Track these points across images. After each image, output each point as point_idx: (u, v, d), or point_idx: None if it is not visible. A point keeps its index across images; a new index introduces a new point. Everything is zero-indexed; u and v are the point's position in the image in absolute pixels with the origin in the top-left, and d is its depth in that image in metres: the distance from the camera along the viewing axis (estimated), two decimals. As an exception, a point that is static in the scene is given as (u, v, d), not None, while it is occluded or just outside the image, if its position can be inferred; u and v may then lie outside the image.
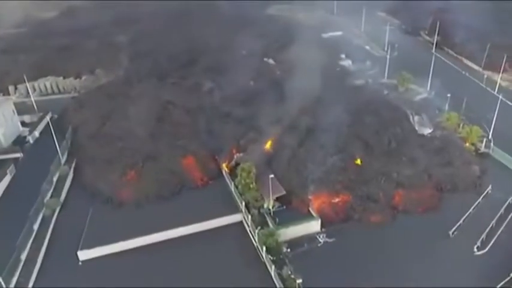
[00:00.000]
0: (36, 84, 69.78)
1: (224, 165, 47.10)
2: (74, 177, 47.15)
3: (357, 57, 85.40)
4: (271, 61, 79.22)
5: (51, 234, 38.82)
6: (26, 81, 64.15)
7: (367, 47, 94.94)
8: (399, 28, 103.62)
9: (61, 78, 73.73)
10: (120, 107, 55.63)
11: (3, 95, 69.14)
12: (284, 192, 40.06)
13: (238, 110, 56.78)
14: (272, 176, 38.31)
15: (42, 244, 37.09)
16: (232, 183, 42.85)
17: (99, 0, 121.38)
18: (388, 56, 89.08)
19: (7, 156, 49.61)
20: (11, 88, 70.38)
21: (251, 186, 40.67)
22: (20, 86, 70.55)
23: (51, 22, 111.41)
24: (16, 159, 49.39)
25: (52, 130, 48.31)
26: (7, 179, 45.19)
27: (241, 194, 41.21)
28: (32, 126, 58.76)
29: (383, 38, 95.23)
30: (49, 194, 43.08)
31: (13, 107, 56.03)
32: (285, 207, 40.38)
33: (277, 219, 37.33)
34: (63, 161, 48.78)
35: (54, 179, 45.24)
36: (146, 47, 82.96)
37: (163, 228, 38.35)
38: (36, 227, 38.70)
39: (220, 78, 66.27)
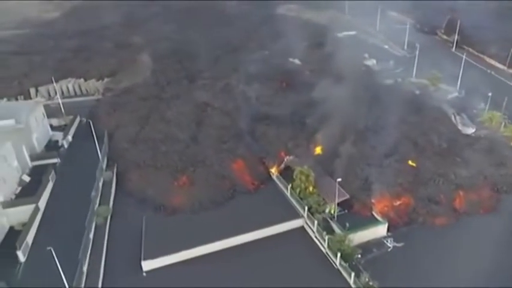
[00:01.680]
0: (58, 86, 67.26)
1: (273, 168, 45.77)
2: (117, 183, 45.23)
3: (378, 57, 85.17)
4: (297, 61, 78.12)
5: (108, 243, 36.96)
6: (54, 82, 61.91)
7: (386, 46, 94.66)
8: (414, 27, 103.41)
9: (82, 80, 71.42)
10: (156, 110, 53.85)
11: (24, 97, 66.53)
12: (348, 196, 38.96)
13: (276, 111, 55.60)
14: (339, 179, 37.10)
15: (101, 255, 35.25)
16: (289, 188, 41.53)
17: (101, 1, 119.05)
18: (408, 55, 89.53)
19: (44, 162, 47.36)
20: (32, 90, 67.73)
21: (312, 190, 39.43)
22: (41, 88, 68.11)
23: (56, 23, 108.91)
24: (53, 164, 47.20)
25: (93, 134, 46.32)
26: (49, 186, 43.06)
27: (301, 198, 39.95)
28: (60, 129, 56.72)
29: (400, 37, 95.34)
30: (97, 201, 41.12)
31: (43, 111, 53.77)
32: (346, 211, 39.24)
33: (347, 225, 36.11)
34: (103, 166, 46.81)
35: (100, 185, 43.29)
36: (165, 47, 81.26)
37: (224, 236, 36.86)
38: (91, 236, 36.82)
39: (250, 79, 65.11)
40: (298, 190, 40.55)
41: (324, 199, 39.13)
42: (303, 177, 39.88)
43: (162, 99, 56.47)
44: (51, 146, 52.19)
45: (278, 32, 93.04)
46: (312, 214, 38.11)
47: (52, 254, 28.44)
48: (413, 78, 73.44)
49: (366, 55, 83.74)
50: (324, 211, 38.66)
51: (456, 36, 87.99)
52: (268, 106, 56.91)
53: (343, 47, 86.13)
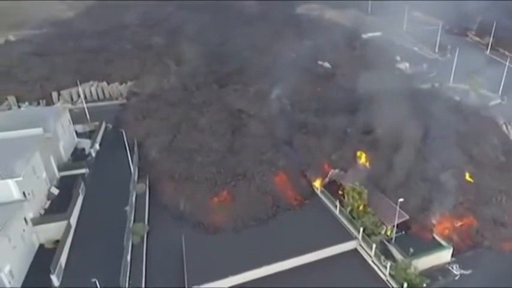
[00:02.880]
0: (80, 90, 64.62)
1: (317, 182, 42.57)
2: (150, 196, 42.32)
3: (410, 59, 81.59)
4: (326, 64, 74.81)
5: (147, 266, 33.99)
6: (79, 85, 59.37)
7: (416, 49, 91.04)
8: (442, 28, 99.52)
9: (105, 83, 68.81)
10: (187, 117, 50.87)
11: (46, 101, 64.08)
12: (407, 217, 35.59)
13: (314, 119, 52.44)
14: (401, 199, 33.75)
15: (141, 280, 32.27)
16: (337, 205, 38.30)
17: (115, 0, 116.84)
18: (441, 58, 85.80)
19: (72, 172, 44.67)
20: (54, 94, 65.22)
21: (366, 209, 36.16)
22: (63, 92, 65.60)
23: (72, 23, 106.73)
24: (82, 175, 44.45)
25: (124, 142, 43.42)
26: (80, 199, 40.30)
27: (353, 217, 36.70)
28: (85, 136, 54.13)
29: (429, 39, 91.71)
30: (132, 217, 38.22)
31: (69, 117, 51.13)
32: (404, 232, 35.87)
33: (411, 250, 32.75)
34: (135, 177, 43.93)
35: (133, 199, 40.40)
36: (188, 49, 78.35)
37: (272, 260, 33.71)
38: (129, 257, 33.92)
39: (281, 84, 61.97)
40: (349, 208, 37.25)
41: (380, 220, 35.77)
42: (355, 195, 36.59)
43: (192, 105, 53.46)
44: (78, 155, 49.57)
45: (302, 32, 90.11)
46: (368, 236, 34.82)
47: (96, 285, 25.55)
48: (451, 83, 69.79)
49: (398, 58, 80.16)
50: (380, 233, 35.35)
51: (491, 38, 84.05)
52: (305, 113, 53.72)
53: (372, 49, 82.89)
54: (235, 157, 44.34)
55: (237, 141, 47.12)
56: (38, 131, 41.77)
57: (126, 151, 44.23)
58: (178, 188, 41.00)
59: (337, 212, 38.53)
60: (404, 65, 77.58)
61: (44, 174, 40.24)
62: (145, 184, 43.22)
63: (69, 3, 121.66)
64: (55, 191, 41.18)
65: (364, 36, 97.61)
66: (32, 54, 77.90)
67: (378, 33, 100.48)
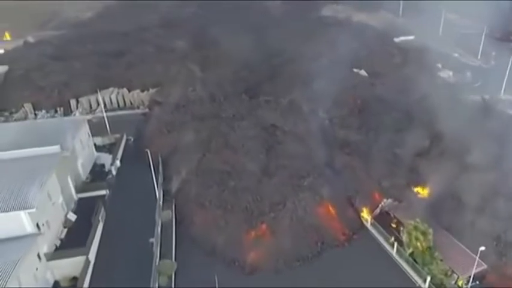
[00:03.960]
0: (100, 97, 60.59)
1: (366, 212, 37.29)
2: (177, 226, 37.62)
3: (451, 67, 75.38)
4: (363, 72, 69.22)
5: (176, 315, 29.40)
6: (98, 93, 55.46)
7: (456, 55, 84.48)
8: (481, 32, 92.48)
9: (125, 90, 64.70)
10: (217, 133, 46.05)
11: (64, 109, 60.31)
12: (485, 267, 30.00)
13: (356, 137, 47.12)
14: (483, 248, 28.22)
15: (170, 334, 27.67)
16: (394, 245, 32.94)
17: (134, 0, 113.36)
18: (485, 66, 79.21)
19: (91, 194, 40.37)
20: (72, 101, 61.40)
21: (432, 253, 30.72)
22: (82, 99, 61.74)
23: (91, 24, 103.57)
24: (102, 197, 40.13)
25: (149, 161, 38.78)
26: (99, 228, 35.91)
27: (414, 261, 31.31)
28: (104, 149, 49.97)
29: (469, 44, 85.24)
30: (158, 252, 33.59)
31: (88, 130, 46.94)
32: (478, 282, 30.33)
33: (495, 310, 27.36)
34: (160, 202, 39.33)
35: (158, 230, 35.77)
36: (213, 54, 73.85)
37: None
38: (155, 304, 29.38)
39: (316, 95, 56.73)
40: (410, 250, 31.85)
41: (450, 268, 30.28)
42: (419, 235, 31.17)
43: (222, 118, 48.65)
44: (97, 172, 45.23)
45: (331, 36, 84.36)
46: (435, 286, 29.41)
47: None
48: (502, 94, 63.39)
49: (439, 65, 73.96)
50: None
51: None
52: (346, 130, 48.43)
53: (409, 55, 77.08)
54: (272, 182, 39.29)
55: (272, 162, 42.07)
56: (55, 149, 37.48)
57: (150, 170, 39.72)
58: (209, 218, 36.24)
59: (394, 252, 33.20)
60: (447, 73, 71.43)
61: (61, 199, 35.96)
62: (172, 210, 38.61)
63: (87, 3, 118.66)
64: (72, 217, 36.88)
65: (396, 40, 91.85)
66: (50, 58, 74.51)
67: (411, 37, 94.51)
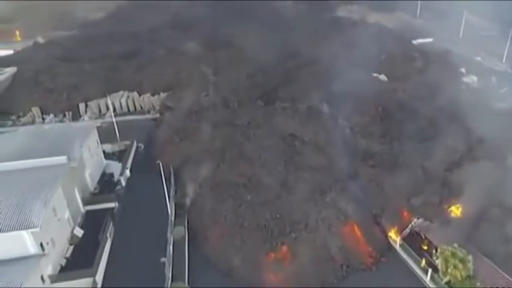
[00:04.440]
0: (109, 101, 58.50)
1: (394, 232, 34.41)
2: (189, 243, 35.12)
3: (474, 71, 71.85)
4: (383, 77, 66.13)
5: None
6: (108, 98, 53.48)
7: (478, 58, 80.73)
8: (503, 34, 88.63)
9: (135, 93, 62.52)
10: (232, 142, 43.52)
11: (73, 114, 58.31)
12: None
13: (380, 147, 44.21)
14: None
15: None
16: (428, 272, 30.02)
17: (145, 0, 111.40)
18: (510, 70, 75.56)
19: (99, 206, 38.09)
20: (81, 106, 59.37)
21: (473, 283, 27.76)
22: (91, 103, 59.68)
23: (102, 24, 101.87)
24: (110, 210, 37.83)
25: (161, 173, 36.32)
26: (107, 246, 33.61)
27: (452, 291, 28.45)
28: (114, 157, 47.78)
29: (492, 47, 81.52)
30: (170, 273, 31.13)
31: (97, 137, 44.72)
32: (524, 317, 27.34)
33: None
34: (172, 217, 36.85)
35: (170, 248, 33.32)
36: (225, 56, 71.43)
37: None
38: (167, 335, 26.89)
39: (335, 101, 53.96)
40: (446, 279, 28.92)
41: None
42: (457, 263, 28.23)
43: (236, 126, 46.12)
44: (106, 182, 42.94)
45: (347, 38, 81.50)
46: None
47: None
48: (533, 102, 59.72)
49: (463, 70, 70.50)
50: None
51: None
52: (369, 139, 45.51)
53: (430, 59, 73.83)
54: (292, 197, 36.62)
55: (291, 174, 39.37)
56: (62, 159, 35.24)
57: (161, 181, 37.35)
58: (224, 236, 33.70)
59: (426, 278, 30.27)
60: (471, 79, 67.88)
61: (67, 214, 33.73)
62: (184, 226, 36.12)
63: (99, 3, 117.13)
64: (79, 233, 34.60)
65: (414, 42, 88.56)
66: (59, 59, 72.73)
67: (429, 40, 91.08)
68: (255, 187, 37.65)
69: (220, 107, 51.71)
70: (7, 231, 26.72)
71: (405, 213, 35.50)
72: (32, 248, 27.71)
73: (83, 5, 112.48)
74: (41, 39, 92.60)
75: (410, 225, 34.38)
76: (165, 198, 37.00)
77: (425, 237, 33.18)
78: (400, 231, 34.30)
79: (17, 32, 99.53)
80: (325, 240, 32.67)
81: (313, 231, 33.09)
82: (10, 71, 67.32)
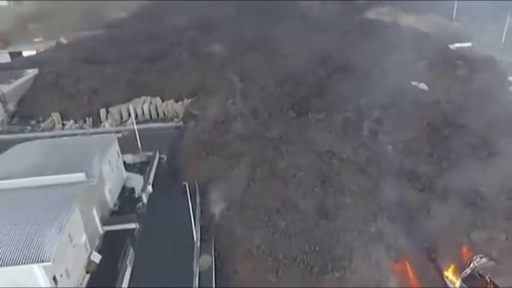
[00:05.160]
0: (131, 107, 55.58)
1: (450, 272, 29.90)
2: (216, 274, 31.47)
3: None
4: (423, 86, 61.05)
5: None
6: (130, 102, 50.93)
7: (524, 65, 74.43)
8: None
9: (158, 99, 59.51)
10: (263, 158, 39.68)
11: (93, 120, 55.71)
12: None
13: (428, 168, 39.59)
14: None
15: None
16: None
17: (169, 0, 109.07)
18: None
19: (118, 227, 34.92)
20: (102, 111, 56.72)
21: None
22: (112, 109, 56.96)
23: (125, 24, 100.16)
24: (131, 232, 34.58)
25: (188, 193, 32.72)
26: (127, 275, 30.30)
27: None
28: (135, 168, 44.76)
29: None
30: (195, 313, 27.62)
31: (118, 148, 41.70)
32: None
33: None
34: (198, 243, 33.27)
35: (196, 281, 29.74)
36: (253, 61, 67.74)
37: None
38: None
39: (373, 113, 49.58)
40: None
41: None
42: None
43: (268, 140, 42.26)
44: (126, 198, 39.83)
45: (381, 43, 76.68)
46: None
47: None
48: None
49: (511, 79, 64.72)
50: None
51: None
52: (414, 158, 40.94)
53: (472, 66, 68.27)
54: (331, 225, 32.52)
55: (329, 198, 35.25)
56: (79, 177, 32.27)
57: (186, 199, 33.89)
58: (257, 270, 29.92)
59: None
60: (520, 89, 62.06)
61: (84, 238, 30.61)
62: (211, 255, 32.49)
63: (121, 3, 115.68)
64: (97, 258, 31.46)
65: (451, 47, 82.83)
66: (81, 61, 70.80)
67: (468, 44, 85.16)
68: (289, 212, 33.73)
69: (249, 117, 47.98)
70: (15, 264, 23.67)
71: (464, 250, 30.92)
72: (43, 282, 24.60)
73: (108, 5, 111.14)
74: (63, 40, 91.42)
75: (471, 265, 29.79)
76: (190, 219, 33.53)
77: (491, 281, 28.53)
78: (459, 271, 29.77)
79: (41, 32, 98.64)
80: (373, 279, 28.44)
81: (359, 268, 28.90)
82: (32, 72, 65.70)
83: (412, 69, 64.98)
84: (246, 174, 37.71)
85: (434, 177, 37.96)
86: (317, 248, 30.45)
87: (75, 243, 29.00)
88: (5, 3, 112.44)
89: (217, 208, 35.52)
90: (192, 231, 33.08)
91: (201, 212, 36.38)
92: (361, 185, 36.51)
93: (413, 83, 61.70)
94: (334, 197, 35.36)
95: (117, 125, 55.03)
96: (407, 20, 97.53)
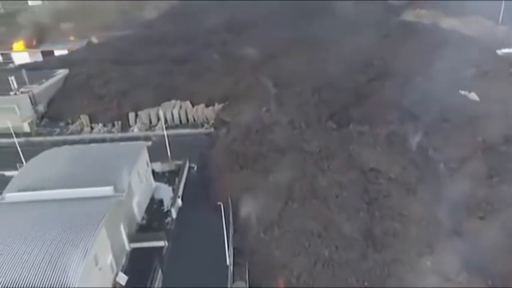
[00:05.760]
0: (161, 111, 53.58)
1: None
2: (251, 304, 28.66)
3: None
4: (473, 96, 56.14)
5: None
6: (160, 107, 49.04)
7: None
8: None
9: (188, 103, 57.23)
10: (302, 174, 36.40)
11: (122, 124, 53.97)
12: None
13: (487, 191, 35.25)
14: None
15: None
16: None
17: (199, 0, 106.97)
18: None
19: (146, 244, 32.57)
20: (131, 115, 54.95)
21: None
22: (141, 113, 55.10)
23: (155, 24, 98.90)
24: (158, 250, 32.16)
25: (223, 215, 30.02)
26: (155, 300, 27.89)
27: None
28: (163, 178, 42.56)
29: None
30: None
31: (147, 157, 39.49)
32: None
33: None
34: (231, 267, 30.45)
35: (229, 312, 26.99)
36: (288, 66, 64.42)
37: None
38: None
39: (420, 126, 45.34)
40: None
41: None
42: None
43: (306, 153, 38.94)
44: (155, 211, 37.60)
45: (424, 47, 71.94)
46: None
47: None
48: None
49: None
50: None
51: None
52: (471, 180, 36.59)
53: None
54: (381, 256, 28.98)
55: (377, 223, 31.68)
56: (107, 191, 30.18)
57: (219, 217, 31.27)
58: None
59: None
60: None
61: (110, 258, 28.37)
62: (246, 282, 29.59)
63: (152, 2, 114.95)
64: (123, 280, 29.18)
65: (499, 52, 76.91)
66: (111, 62, 69.55)
67: (517, 49, 78.83)
68: (332, 238, 30.41)
69: (285, 126, 44.79)
70: (37, 290, 21.53)
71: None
72: (66, 313, 22.34)
73: (139, 4, 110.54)
74: (94, 39, 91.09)
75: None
76: (223, 241, 30.83)
77: None
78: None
79: (72, 31, 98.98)
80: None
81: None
82: (62, 72, 64.95)
83: (459, 77, 60.18)
84: (284, 191, 34.56)
85: (495, 202, 33.63)
86: (366, 283, 26.98)
87: (101, 266, 26.73)
88: (39, 2, 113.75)
89: (251, 229, 32.56)
90: (225, 253, 30.36)
91: (235, 231, 33.53)
92: (412, 209, 32.71)
93: (462, 92, 56.87)
94: (383, 222, 31.75)
95: (146, 130, 53.12)
96: (450, 22, 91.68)
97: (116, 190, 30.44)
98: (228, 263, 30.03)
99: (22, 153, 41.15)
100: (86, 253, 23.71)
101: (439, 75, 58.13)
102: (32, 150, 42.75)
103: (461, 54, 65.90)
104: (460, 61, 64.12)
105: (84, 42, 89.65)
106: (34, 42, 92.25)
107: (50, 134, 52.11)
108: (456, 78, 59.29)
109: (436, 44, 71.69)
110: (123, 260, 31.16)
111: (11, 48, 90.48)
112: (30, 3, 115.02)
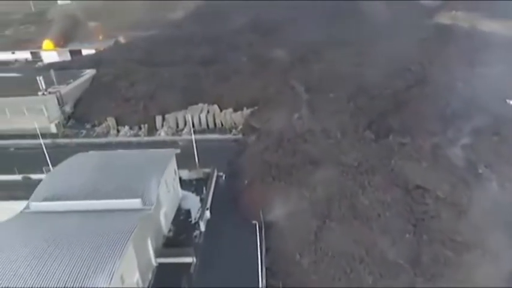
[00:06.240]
0: (188, 115, 51.92)
1: None
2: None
3: None
4: (522, 106, 52.08)
5: None
6: (187, 110, 47.84)
7: None
8: None
9: (216, 107, 55.36)
10: (340, 189, 33.75)
11: (149, 128, 52.55)
12: None
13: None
14: None
15: None
16: None
17: (226, 0, 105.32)
18: None
19: (171, 260, 30.69)
20: (158, 119, 53.51)
21: None
22: (168, 117, 53.58)
23: (181, 25, 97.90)
24: (186, 267, 30.21)
25: (258, 234, 27.96)
26: (182, 325, 25.92)
27: None
28: (190, 186, 40.74)
29: None
30: None
31: (175, 165, 37.68)
32: None
33: None
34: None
35: None
36: (319, 70, 61.76)
37: None
38: None
39: (465, 137, 41.84)
40: None
41: None
42: None
43: (344, 167, 36.20)
44: (182, 222, 35.83)
45: (464, 52, 67.81)
46: None
47: None
48: None
49: None
50: None
51: None
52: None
53: None
54: (428, 284, 26.06)
55: (425, 248, 28.73)
56: (135, 203, 28.44)
57: (253, 233, 29.24)
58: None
59: None
60: None
61: (136, 277, 26.60)
62: (278, 306, 27.33)
63: (178, 3, 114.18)
64: (148, 299, 27.42)
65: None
66: (138, 62, 68.79)
67: None
68: (375, 263, 27.69)
69: (319, 136, 42.15)
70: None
71: None
72: None
73: (165, 4, 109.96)
74: (122, 39, 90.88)
75: None
76: (255, 260, 28.68)
77: None
78: None
79: (100, 31, 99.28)
80: None
81: None
82: (90, 73, 64.43)
83: (504, 84, 56.00)
84: (321, 209, 32.01)
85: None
86: (415, 319, 24.22)
87: (127, 284, 24.96)
88: (68, 1, 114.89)
89: (286, 249, 30.15)
90: (258, 274, 28.13)
91: (267, 250, 31.22)
92: (465, 234, 29.56)
93: (509, 102, 52.77)
94: (431, 247, 28.78)
95: (172, 134, 51.56)
96: (489, 25, 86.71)
97: (144, 203, 28.69)
98: (260, 285, 27.76)
99: (48, 155, 40.27)
100: (112, 274, 21.91)
101: (481, 83, 54.20)
102: (58, 152, 41.92)
103: (504, 59, 61.62)
104: (503, 67, 59.91)
105: (111, 42, 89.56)
106: (62, 42, 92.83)
107: (77, 135, 51.33)
108: (501, 85, 55.21)
109: (477, 48, 67.51)
110: (149, 276, 29.38)
111: (40, 47, 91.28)
112: (59, 2, 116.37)
